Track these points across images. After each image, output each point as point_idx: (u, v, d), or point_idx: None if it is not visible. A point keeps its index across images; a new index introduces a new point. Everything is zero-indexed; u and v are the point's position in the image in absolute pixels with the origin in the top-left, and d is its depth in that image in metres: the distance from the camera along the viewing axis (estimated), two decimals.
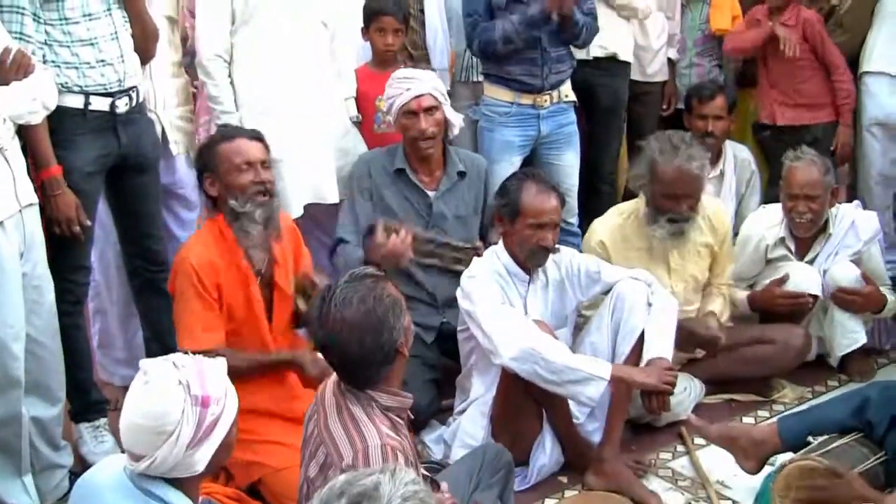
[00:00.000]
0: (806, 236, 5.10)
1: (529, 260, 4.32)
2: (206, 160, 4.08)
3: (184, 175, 4.97)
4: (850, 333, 4.99)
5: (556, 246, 4.35)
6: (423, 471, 3.23)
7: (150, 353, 4.85)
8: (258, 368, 4.07)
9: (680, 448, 4.56)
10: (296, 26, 4.96)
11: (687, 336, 4.61)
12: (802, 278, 4.94)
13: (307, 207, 5.05)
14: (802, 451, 3.75)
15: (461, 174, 4.95)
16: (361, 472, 2.29)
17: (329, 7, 5.15)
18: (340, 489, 2.21)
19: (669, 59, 6.48)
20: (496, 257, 4.38)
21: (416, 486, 2.24)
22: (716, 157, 5.69)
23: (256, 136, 4.13)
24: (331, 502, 2.19)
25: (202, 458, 2.74)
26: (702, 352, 4.85)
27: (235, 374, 3.64)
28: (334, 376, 3.23)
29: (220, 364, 2.86)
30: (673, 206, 4.57)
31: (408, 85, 4.80)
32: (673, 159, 4.52)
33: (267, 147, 4.13)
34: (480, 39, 5.28)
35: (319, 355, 4.05)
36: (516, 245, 4.32)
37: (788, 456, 3.81)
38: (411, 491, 2.22)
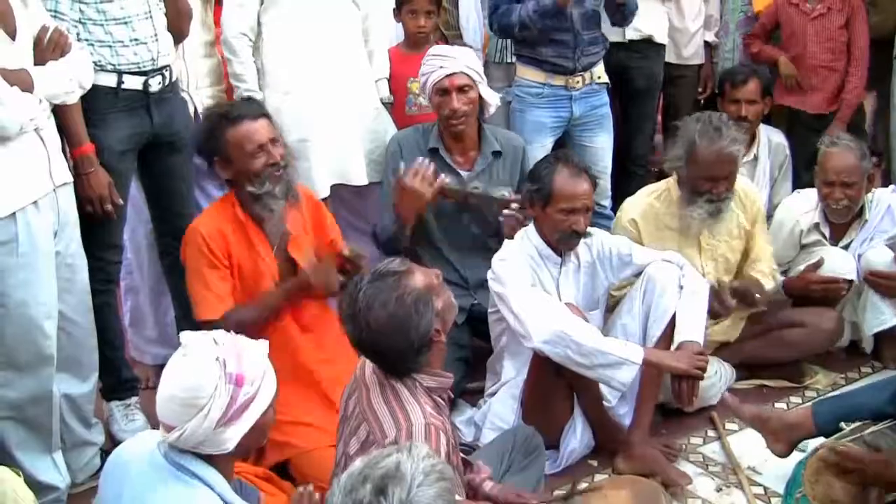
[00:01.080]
0: (842, 222, 5.05)
1: (561, 244, 4.30)
2: (214, 147, 4.05)
3: None
4: (880, 315, 4.93)
5: (588, 229, 4.32)
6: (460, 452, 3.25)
7: (182, 332, 4.88)
8: (269, 310, 4.11)
9: (711, 433, 4.54)
10: (326, 5, 4.95)
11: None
12: (837, 263, 4.90)
13: (334, 188, 5.04)
14: (834, 437, 3.72)
15: (496, 154, 4.90)
16: (377, 455, 2.31)
17: None
18: (363, 474, 2.24)
19: (706, 42, 6.42)
20: (528, 240, 4.35)
21: (432, 459, 2.29)
22: (750, 141, 5.65)
23: (260, 114, 4.11)
24: (356, 489, 2.22)
25: (232, 437, 2.75)
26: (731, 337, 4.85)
27: (251, 325, 3.66)
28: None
29: (261, 346, 2.88)
30: (711, 187, 4.53)
31: (441, 63, 4.76)
32: (715, 142, 4.48)
33: (269, 118, 4.12)
34: (500, 22, 5.29)
35: (314, 260, 4.18)
36: (548, 229, 4.29)
37: (820, 441, 3.78)
38: (430, 465, 2.26)
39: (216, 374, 2.70)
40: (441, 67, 4.75)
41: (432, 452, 2.35)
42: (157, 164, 4.54)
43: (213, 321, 3.93)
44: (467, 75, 4.75)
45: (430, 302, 3.07)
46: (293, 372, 3.98)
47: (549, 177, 4.24)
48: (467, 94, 4.75)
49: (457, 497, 2.36)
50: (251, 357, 2.80)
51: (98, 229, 4.24)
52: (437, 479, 2.24)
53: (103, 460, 4.04)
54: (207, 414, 2.68)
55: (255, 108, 4.13)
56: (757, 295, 4.68)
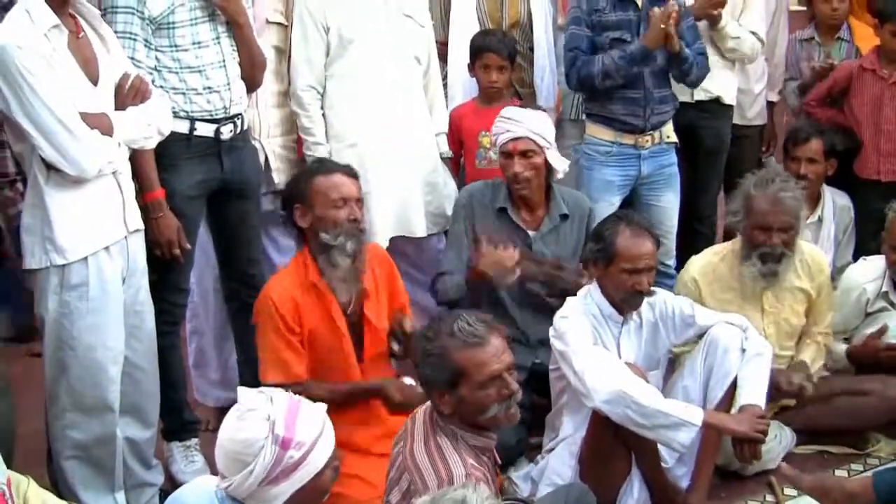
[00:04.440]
0: None
1: (625, 304, 4.30)
2: (299, 191, 4.11)
3: None
4: None
5: (652, 289, 4.32)
6: None
7: (243, 377, 4.95)
8: (341, 398, 4.10)
9: (769, 498, 4.49)
10: (389, 60, 5.03)
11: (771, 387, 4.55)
12: None
13: (393, 240, 5.09)
14: None
15: (563, 216, 4.93)
16: (446, 489, 2.34)
17: (423, 42, 5.23)
18: (431, 500, 2.27)
19: (769, 102, 6.42)
20: (590, 298, 4.35)
21: (495, 500, 2.29)
22: (814, 202, 5.62)
23: (353, 174, 4.17)
24: None
25: (279, 495, 2.79)
26: (791, 401, 4.78)
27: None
28: (428, 405, 3.26)
29: (319, 410, 2.90)
30: (766, 238, 4.53)
31: (508, 126, 4.81)
32: (767, 188, 4.51)
33: (359, 185, 4.17)
34: (580, 73, 5.27)
35: (407, 380, 4.09)
36: (611, 289, 4.28)
37: None
38: (493, 502, 2.27)
39: (263, 434, 2.74)
40: (508, 131, 4.79)
41: (494, 496, 2.37)
42: (225, 210, 4.60)
43: (279, 385, 3.88)
44: (533, 140, 4.77)
45: (445, 372, 3.18)
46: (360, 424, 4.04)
47: (612, 237, 4.24)
48: (530, 159, 4.77)
49: None
50: (305, 420, 2.83)
51: (165, 273, 4.31)
52: None
53: (162, 500, 4.13)
54: (252, 471, 2.73)
55: (350, 170, 4.19)
56: (794, 390, 4.62)
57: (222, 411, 4.95)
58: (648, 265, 4.24)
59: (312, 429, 2.83)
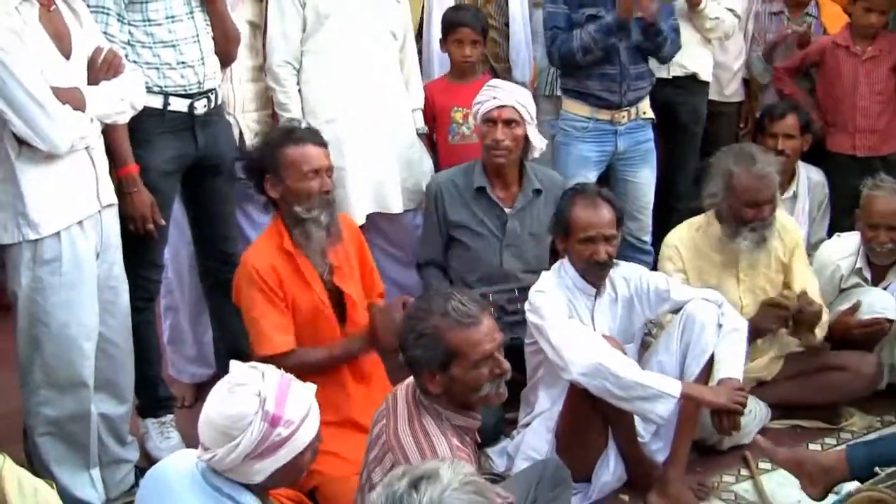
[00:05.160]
0: (884, 264, 5.03)
1: (587, 275, 4.31)
2: (269, 161, 4.04)
3: None
4: None
5: (614, 260, 4.32)
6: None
7: (219, 353, 4.95)
8: (333, 360, 4.10)
9: (744, 472, 4.51)
10: (366, 35, 5.01)
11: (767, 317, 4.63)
12: (878, 302, 4.87)
13: (369, 216, 5.09)
14: (870, 482, 3.68)
15: (537, 192, 4.94)
16: (423, 461, 2.34)
17: (399, 17, 5.21)
18: (403, 472, 2.28)
19: (745, 80, 6.44)
20: (563, 272, 4.36)
21: (474, 476, 2.31)
22: (789, 178, 5.65)
23: (321, 142, 4.12)
24: (392, 483, 2.28)
25: (261, 471, 2.79)
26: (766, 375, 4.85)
27: (309, 371, 3.62)
28: (410, 383, 3.25)
29: (309, 389, 2.89)
30: (756, 213, 4.57)
31: (495, 93, 4.83)
32: (752, 166, 4.54)
33: (328, 152, 4.13)
34: (561, 51, 5.28)
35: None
36: (574, 260, 4.32)
37: (854, 485, 3.75)
38: (470, 478, 2.28)
39: (253, 409, 2.74)
40: (494, 98, 4.81)
41: (476, 472, 2.37)
42: (200, 186, 4.58)
43: (273, 357, 3.90)
44: (517, 111, 4.79)
45: (437, 352, 3.15)
46: (336, 413, 4.01)
47: (568, 207, 4.28)
48: (513, 129, 4.79)
49: None
50: (295, 398, 2.83)
51: (140, 248, 4.28)
52: (473, 492, 2.25)
53: (137, 477, 4.12)
54: (238, 446, 2.72)
55: (319, 138, 4.13)
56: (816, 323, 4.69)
57: (198, 388, 5.05)
58: (604, 234, 4.23)
59: (301, 407, 2.83)
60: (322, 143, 4.11)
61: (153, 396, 4.62)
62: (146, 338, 4.47)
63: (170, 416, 4.66)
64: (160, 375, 4.72)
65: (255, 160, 4.14)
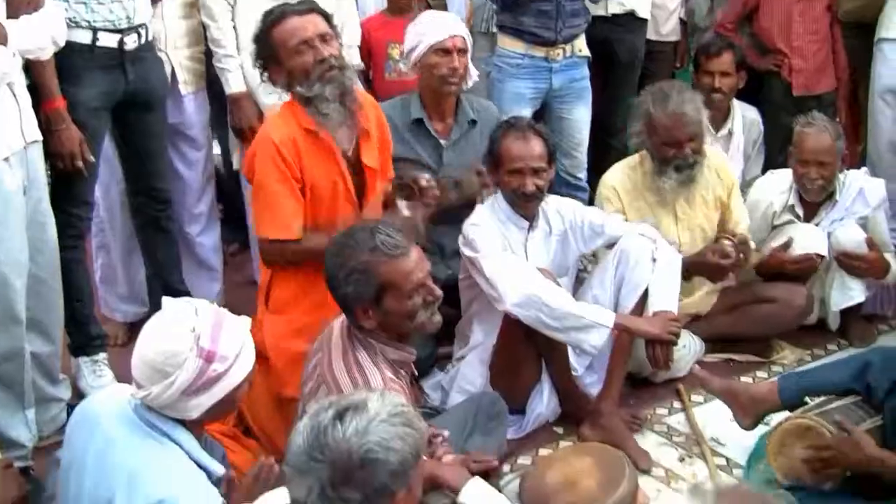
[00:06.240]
0: (815, 201, 5.08)
1: (516, 207, 4.32)
2: (264, 51, 3.87)
3: (192, 115, 4.99)
4: (848, 291, 4.99)
5: (548, 194, 4.35)
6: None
7: (152, 291, 4.90)
8: None
9: (676, 405, 4.57)
10: None
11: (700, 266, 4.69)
12: (809, 238, 4.92)
13: None
14: (799, 411, 3.74)
15: (472, 123, 4.91)
16: (353, 392, 2.33)
17: None
18: (330, 402, 2.26)
19: (681, 19, 6.44)
20: (497, 205, 4.37)
21: (405, 408, 2.29)
22: (724, 115, 5.68)
23: (307, 9, 3.89)
24: (318, 413, 2.26)
25: (196, 407, 2.74)
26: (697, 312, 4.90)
27: (315, 258, 3.45)
28: (342, 319, 3.25)
29: (242, 323, 2.85)
30: (677, 152, 4.58)
31: (442, 23, 4.80)
32: (666, 105, 4.54)
33: (326, 16, 3.92)
34: None
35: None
36: (504, 192, 4.33)
37: (784, 415, 3.81)
38: (399, 410, 2.27)
39: (188, 346, 2.69)
40: (444, 27, 4.76)
41: (408, 404, 2.36)
42: (131, 122, 4.52)
43: (279, 241, 3.81)
44: (465, 40, 4.79)
45: (370, 286, 3.13)
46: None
47: (498, 140, 4.29)
48: (462, 58, 4.77)
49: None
50: (230, 333, 2.78)
51: (69, 185, 4.23)
52: (402, 424, 2.25)
53: (69, 416, 4.06)
54: (173, 383, 2.68)
55: (306, 4, 3.92)
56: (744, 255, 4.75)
57: (131, 326, 5.01)
58: (532, 167, 4.24)
59: (236, 343, 2.79)
60: (308, 10, 3.89)
61: (85, 335, 4.57)
62: (77, 276, 4.41)
63: (102, 355, 4.62)
64: (92, 314, 4.66)
65: (258, 53, 3.93)
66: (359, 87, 4.70)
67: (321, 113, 3.82)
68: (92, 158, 4.22)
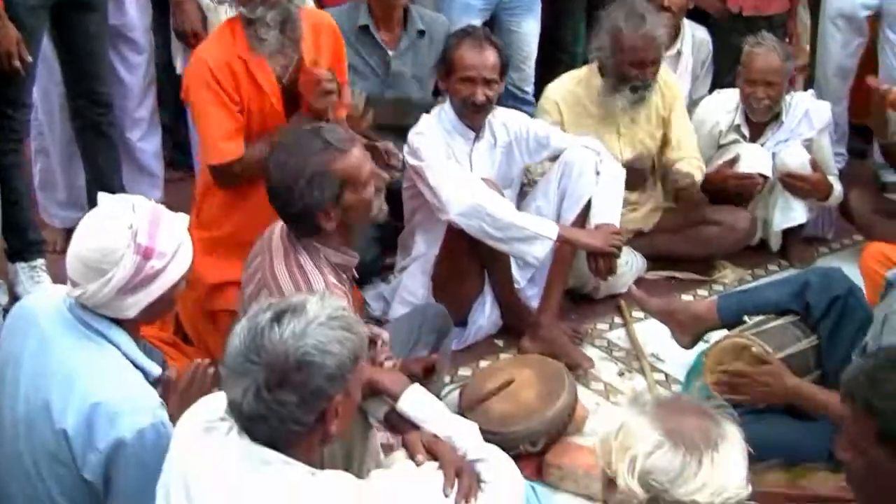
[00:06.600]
0: (761, 121, 5.09)
1: (464, 116, 4.31)
2: None
3: (134, 17, 4.88)
4: (791, 212, 5.03)
5: (495, 106, 4.35)
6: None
7: (92, 196, 4.79)
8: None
9: (617, 320, 4.61)
10: None
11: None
12: (753, 158, 4.94)
13: None
14: (737, 330, 3.77)
15: (420, 33, 4.84)
16: (292, 295, 2.31)
17: None
18: (269, 304, 2.24)
19: None
20: (444, 114, 4.35)
21: (345, 311, 2.27)
22: (674, 35, 5.63)
23: None
24: (256, 315, 2.22)
25: (133, 305, 2.70)
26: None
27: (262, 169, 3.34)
28: (280, 225, 3.22)
29: (180, 220, 2.81)
30: (639, 73, 4.57)
31: None
32: (641, 27, 4.51)
33: None
34: None
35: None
36: (453, 100, 4.31)
37: (722, 334, 3.83)
38: (339, 314, 2.24)
39: (124, 243, 2.64)
40: None
41: (348, 307, 2.34)
42: (70, 22, 4.41)
43: (221, 166, 3.79)
44: None
45: (331, 186, 3.07)
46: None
47: (451, 47, 4.28)
48: None
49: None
50: (168, 230, 2.73)
51: (5, 86, 4.14)
52: (341, 328, 2.22)
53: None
54: (109, 280, 2.63)
55: None
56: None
57: (69, 232, 4.83)
58: (482, 76, 4.23)
59: (173, 239, 2.74)
60: None
61: (23, 240, 4.51)
62: (15, 180, 4.35)
63: (41, 261, 4.56)
64: (31, 219, 4.60)
65: None
66: (310, 4, 4.68)
67: (259, 38, 3.79)
68: (30, 58, 4.11)
